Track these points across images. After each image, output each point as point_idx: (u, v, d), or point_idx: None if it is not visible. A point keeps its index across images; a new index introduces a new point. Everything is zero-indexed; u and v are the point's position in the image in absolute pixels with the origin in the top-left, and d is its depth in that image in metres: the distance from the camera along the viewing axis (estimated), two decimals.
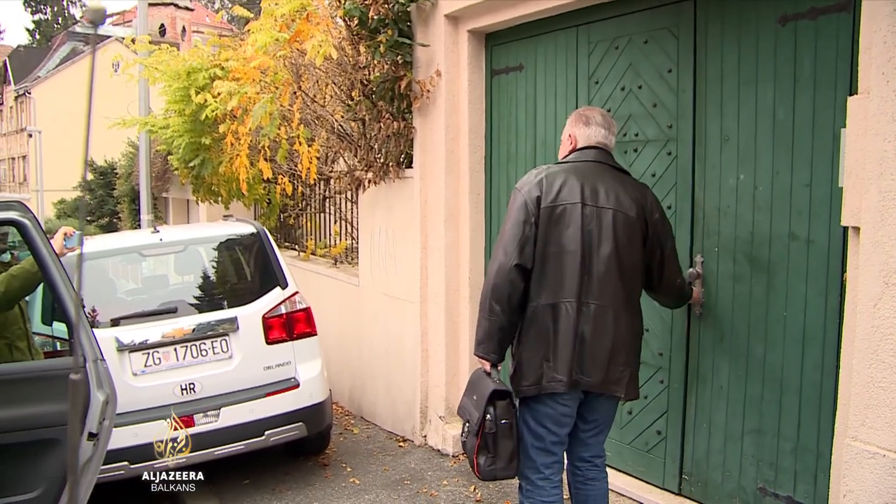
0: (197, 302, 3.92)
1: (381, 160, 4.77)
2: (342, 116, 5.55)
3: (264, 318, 3.83)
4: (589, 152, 2.31)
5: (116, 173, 20.88)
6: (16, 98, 33.17)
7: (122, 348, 3.45)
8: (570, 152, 2.35)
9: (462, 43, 3.96)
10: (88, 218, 24.48)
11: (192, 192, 7.75)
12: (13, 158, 34.84)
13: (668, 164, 2.87)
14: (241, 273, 4.33)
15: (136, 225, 15.41)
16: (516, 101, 3.80)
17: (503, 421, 2.11)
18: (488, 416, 2.09)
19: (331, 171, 6.42)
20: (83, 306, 3.30)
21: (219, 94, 5.16)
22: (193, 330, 3.64)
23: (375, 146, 4.86)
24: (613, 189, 2.23)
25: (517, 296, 2.13)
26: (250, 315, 3.81)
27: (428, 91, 4.15)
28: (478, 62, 3.96)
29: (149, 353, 3.51)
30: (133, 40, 6.68)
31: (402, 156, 4.69)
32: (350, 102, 5.16)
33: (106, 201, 23.19)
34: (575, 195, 2.16)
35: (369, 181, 4.87)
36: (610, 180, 2.26)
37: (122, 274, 4.52)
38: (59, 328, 3.92)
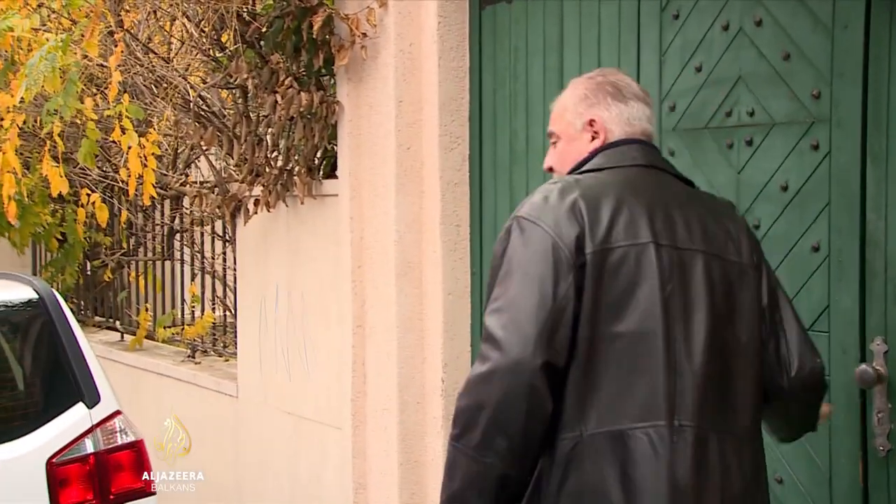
0: None
1: (279, 163, 4.89)
2: (203, 81, 5.69)
3: (51, 466, 3.84)
4: (634, 150, 2.44)
5: None
6: None
7: None
8: (597, 151, 2.42)
9: None
10: None
11: None
12: None
13: (815, 165, 2.99)
14: (7, 379, 4.29)
15: None
16: (527, 51, 3.95)
17: None
18: None
19: (184, 184, 6.54)
20: None
21: None
22: None
23: (267, 137, 4.97)
24: (696, 216, 2.35)
25: (540, 421, 2.20)
26: (22, 460, 3.80)
27: (363, 35, 4.27)
28: None
29: None
30: None
31: (318, 155, 4.82)
32: (219, 54, 5.31)
33: None
34: (641, 229, 2.28)
35: (257, 202, 4.96)
36: (685, 201, 2.38)
37: None
38: None
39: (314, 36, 4.38)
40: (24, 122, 5.56)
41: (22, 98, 4.93)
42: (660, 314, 2.21)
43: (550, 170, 2.54)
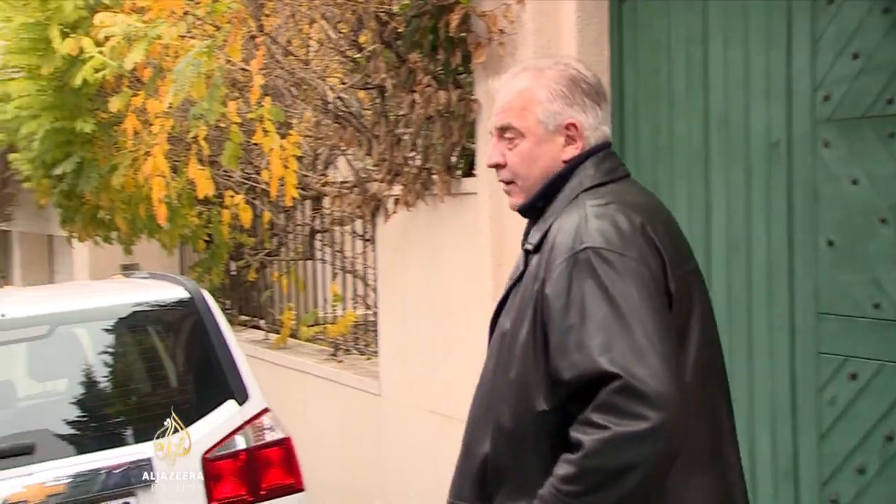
0: (74, 433, 4.05)
1: (418, 162, 4.94)
2: (342, 82, 5.76)
3: (206, 461, 3.95)
4: (617, 159, 2.37)
5: None
6: None
7: None
8: (579, 160, 2.29)
9: None
10: None
11: (62, 223, 8.09)
12: None
13: None
14: (161, 376, 4.49)
15: None
16: (669, 44, 3.88)
17: None
18: None
19: (324, 184, 6.63)
20: None
21: (107, 37, 5.41)
22: (67, 488, 3.78)
23: (406, 137, 5.01)
24: (676, 229, 2.36)
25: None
26: (179, 455, 3.98)
27: (500, 32, 4.26)
28: None
29: None
30: None
31: (457, 154, 4.83)
32: (357, 55, 5.37)
33: None
34: (681, 253, 2.30)
35: (396, 201, 5.02)
36: (665, 213, 2.37)
37: None
38: None
39: (451, 34, 4.40)
40: (172, 127, 5.72)
41: (170, 104, 5.08)
42: (706, 345, 2.25)
43: (497, 167, 2.33)
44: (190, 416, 4.05)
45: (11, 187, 11.50)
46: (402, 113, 4.87)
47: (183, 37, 5.35)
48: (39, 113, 6.65)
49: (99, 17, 5.38)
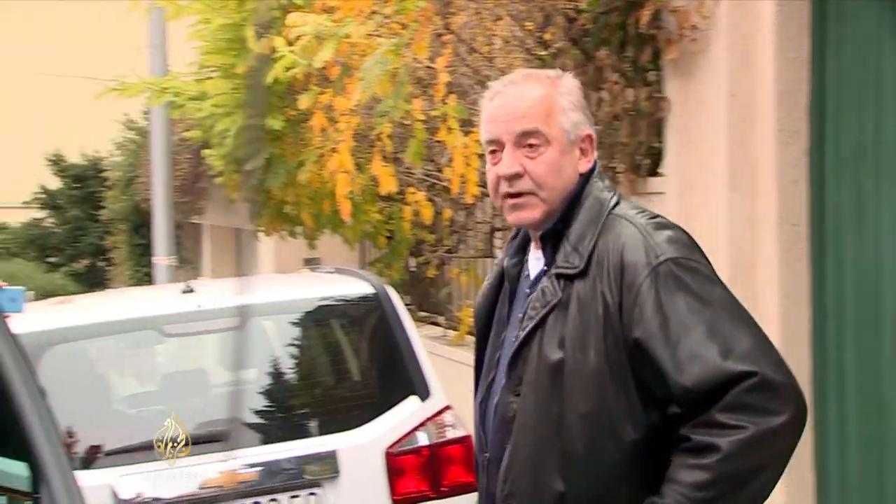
0: (263, 423, 4.17)
1: (604, 161, 4.83)
2: None
3: (389, 456, 3.99)
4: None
5: (104, 179, 22.76)
6: None
7: None
8: (590, 175, 2.26)
9: None
10: (52, 258, 26.46)
11: (251, 217, 8.36)
12: None
13: None
14: (345, 370, 4.58)
15: (145, 275, 16.58)
16: (879, 37, 3.70)
17: None
18: None
19: None
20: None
21: (298, 37, 5.54)
22: (258, 476, 3.88)
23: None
24: None
25: None
26: (362, 449, 4.00)
27: (693, 28, 4.17)
28: None
29: None
30: None
31: (642, 153, 4.73)
32: (542, 53, 5.33)
33: (84, 228, 25.09)
34: None
35: None
36: None
37: (120, 366, 4.87)
38: (9, 469, 4.30)
39: (641, 30, 4.33)
40: (357, 125, 5.81)
41: (356, 101, 5.16)
42: None
43: (513, 177, 2.17)
44: (373, 411, 4.13)
45: (204, 182, 11.94)
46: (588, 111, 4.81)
47: (370, 35, 5.44)
48: (233, 110, 6.88)
49: (291, 18, 5.51)
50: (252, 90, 6.72)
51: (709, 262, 2.16)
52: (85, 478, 3.60)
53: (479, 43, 6.12)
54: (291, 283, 5.00)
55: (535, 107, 2.18)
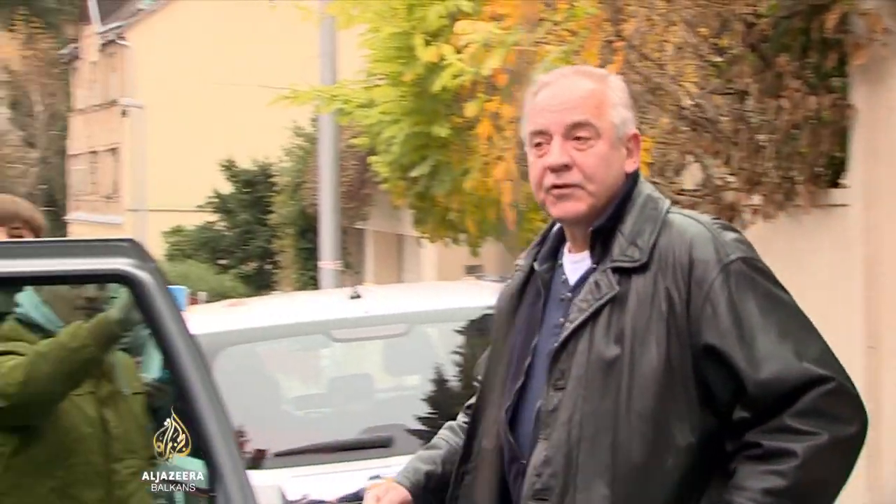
0: (427, 429, 4.11)
1: (781, 171, 4.72)
2: (698, 87, 5.59)
3: None
4: None
5: (273, 184, 23.81)
6: (102, 47, 36.06)
7: None
8: (635, 173, 2.17)
9: None
10: (223, 261, 27.47)
11: (414, 224, 8.42)
12: (95, 152, 37.12)
13: None
14: None
15: (310, 278, 17.07)
16: None
17: None
18: None
19: (678, 192, 6.45)
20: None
21: (466, 45, 5.56)
22: None
23: (768, 144, 4.78)
24: None
25: None
26: None
27: (885, 31, 4.02)
28: None
29: None
30: None
31: (823, 163, 4.58)
32: (716, 59, 5.19)
33: (253, 232, 26.02)
34: None
35: (755, 211, 4.84)
36: None
37: (289, 369, 5.03)
38: (185, 464, 4.40)
39: (826, 35, 4.19)
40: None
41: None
42: None
43: (561, 168, 2.07)
44: None
45: (369, 188, 12.14)
46: (764, 119, 4.67)
47: (539, 42, 5.41)
48: (400, 118, 6.97)
49: (459, 26, 5.53)
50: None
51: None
52: (255, 478, 3.70)
53: (651, 49, 6.01)
54: (457, 292, 5.01)
55: (587, 98, 2.12)
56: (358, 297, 4.53)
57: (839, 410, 1.93)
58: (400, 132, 7.08)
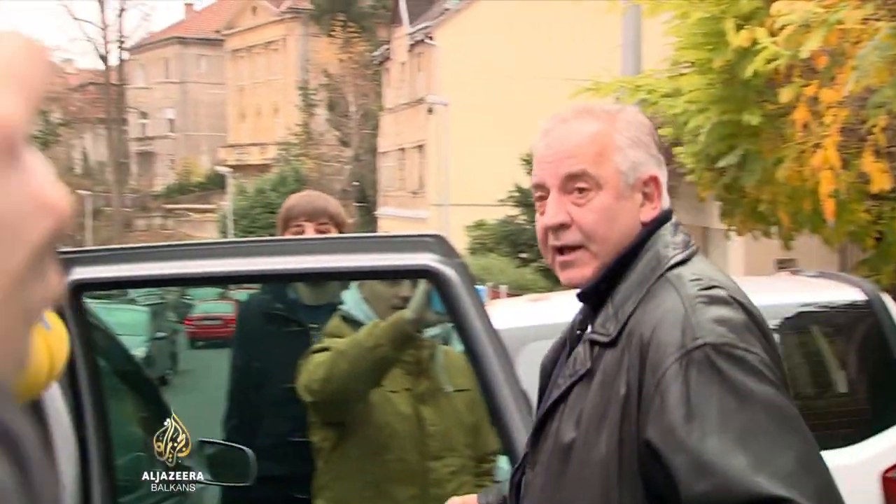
0: None
1: None
2: None
3: (886, 480, 3.72)
4: (682, 227, 1.98)
5: None
6: (410, 47, 37.44)
7: None
8: (654, 225, 1.90)
9: None
10: (524, 254, 27.94)
11: (721, 216, 8.14)
12: (402, 149, 38.97)
13: None
14: (828, 381, 4.38)
15: None
16: None
17: None
18: None
19: None
20: None
21: (782, 27, 5.30)
22: None
23: None
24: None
25: None
26: (851, 469, 3.71)
27: None
28: None
29: None
30: None
31: None
32: None
33: None
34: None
35: None
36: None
37: None
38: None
39: None
40: (846, 118, 5.46)
41: (848, 92, 4.85)
42: None
43: (559, 228, 1.86)
44: (864, 429, 3.88)
45: (673, 180, 11.95)
46: None
47: (866, 20, 5.05)
48: (707, 107, 6.79)
49: (776, 6, 5.30)
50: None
51: (772, 352, 1.76)
52: None
53: None
54: (772, 288, 4.80)
55: (585, 145, 1.90)
56: None
57: None
58: (707, 121, 6.87)
